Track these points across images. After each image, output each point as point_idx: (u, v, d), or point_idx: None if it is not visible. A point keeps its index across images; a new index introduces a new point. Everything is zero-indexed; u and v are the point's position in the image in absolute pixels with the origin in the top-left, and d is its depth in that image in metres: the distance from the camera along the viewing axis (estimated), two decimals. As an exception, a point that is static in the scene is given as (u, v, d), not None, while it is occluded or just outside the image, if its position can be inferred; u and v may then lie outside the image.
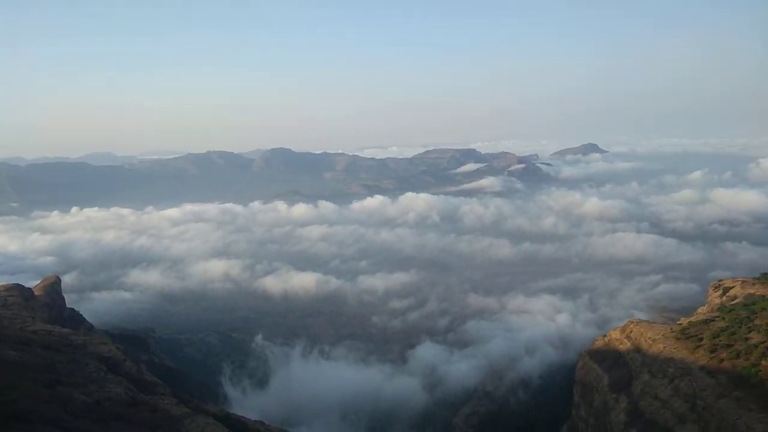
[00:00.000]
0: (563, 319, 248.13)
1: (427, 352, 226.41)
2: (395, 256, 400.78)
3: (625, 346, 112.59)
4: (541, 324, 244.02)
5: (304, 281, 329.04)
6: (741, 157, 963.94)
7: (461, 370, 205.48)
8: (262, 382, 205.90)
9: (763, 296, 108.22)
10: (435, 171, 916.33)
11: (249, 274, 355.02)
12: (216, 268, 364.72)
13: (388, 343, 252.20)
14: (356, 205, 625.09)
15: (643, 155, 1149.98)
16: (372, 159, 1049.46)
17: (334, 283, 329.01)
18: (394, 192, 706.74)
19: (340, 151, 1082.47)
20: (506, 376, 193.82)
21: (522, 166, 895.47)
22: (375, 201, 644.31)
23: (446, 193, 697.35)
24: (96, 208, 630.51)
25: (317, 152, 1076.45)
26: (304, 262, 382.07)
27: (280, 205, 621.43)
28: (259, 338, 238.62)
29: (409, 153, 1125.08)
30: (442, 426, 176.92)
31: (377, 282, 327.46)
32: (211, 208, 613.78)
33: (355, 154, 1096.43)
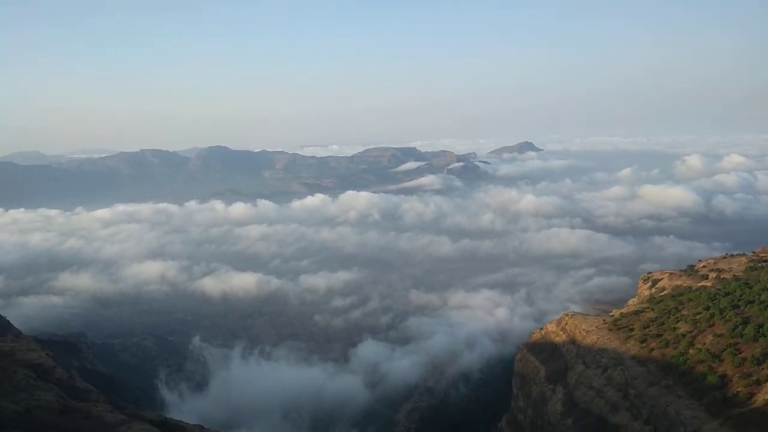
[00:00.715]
0: (502, 313, 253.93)
1: (369, 349, 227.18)
2: (337, 254, 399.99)
3: (560, 338, 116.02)
4: (480, 318, 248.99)
5: (243, 282, 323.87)
6: (667, 154, 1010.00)
7: (403, 366, 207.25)
8: (200, 385, 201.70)
9: (690, 287, 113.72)
10: (375, 169, 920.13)
11: (186, 275, 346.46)
12: (151, 269, 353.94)
13: (330, 341, 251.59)
14: (296, 204, 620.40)
15: (576, 153, 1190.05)
16: (312, 157, 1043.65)
17: (275, 283, 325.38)
18: (334, 190, 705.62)
19: (279, 150, 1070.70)
20: (447, 371, 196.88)
21: (461, 164, 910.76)
22: (316, 199, 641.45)
23: (387, 192, 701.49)
24: (22, 210, 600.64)
25: (256, 150, 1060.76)
26: (243, 262, 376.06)
27: (218, 205, 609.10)
28: (196, 340, 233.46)
29: (350, 151, 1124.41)
30: (384, 423, 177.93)
31: (319, 281, 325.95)
32: (145, 209, 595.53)
33: (295, 152, 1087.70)
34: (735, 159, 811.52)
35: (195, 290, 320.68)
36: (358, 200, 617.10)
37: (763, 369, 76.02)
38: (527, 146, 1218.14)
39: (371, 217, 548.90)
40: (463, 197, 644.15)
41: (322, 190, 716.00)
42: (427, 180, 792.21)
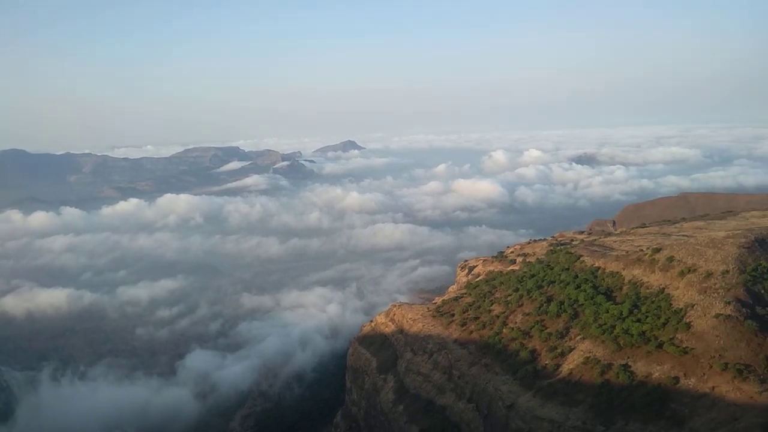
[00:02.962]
0: (334, 309, 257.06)
1: (197, 359, 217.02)
2: (157, 262, 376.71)
3: (389, 328, 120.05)
4: (313, 316, 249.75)
5: (51, 298, 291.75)
6: (476, 150, 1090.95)
7: (235, 373, 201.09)
8: (4, 413, 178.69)
9: (501, 272, 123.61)
10: (196, 170, 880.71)
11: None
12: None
13: (155, 355, 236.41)
14: (107, 210, 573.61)
15: (396, 151, 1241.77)
16: (125, 159, 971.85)
17: (88, 297, 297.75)
18: (151, 194, 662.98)
19: (86, 152, 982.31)
20: (281, 373, 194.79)
21: (286, 163, 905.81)
22: (129, 205, 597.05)
23: (209, 193, 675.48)
24: None
25: (59, 153, 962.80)
26: (49, 277, 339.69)
27: (14, 215, 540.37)
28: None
29: (167, 152, 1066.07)
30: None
31: (140, 292, 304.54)
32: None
33: (105, 154, 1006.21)
34: (533, 153, 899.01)
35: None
36: (177, 203, 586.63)
37: (566, 342, 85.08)
38: (350, 145, 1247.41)
39: (193, 221, 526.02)
40: (289, 196, 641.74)
41: (137, 194, 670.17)
42: (252, 180, 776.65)
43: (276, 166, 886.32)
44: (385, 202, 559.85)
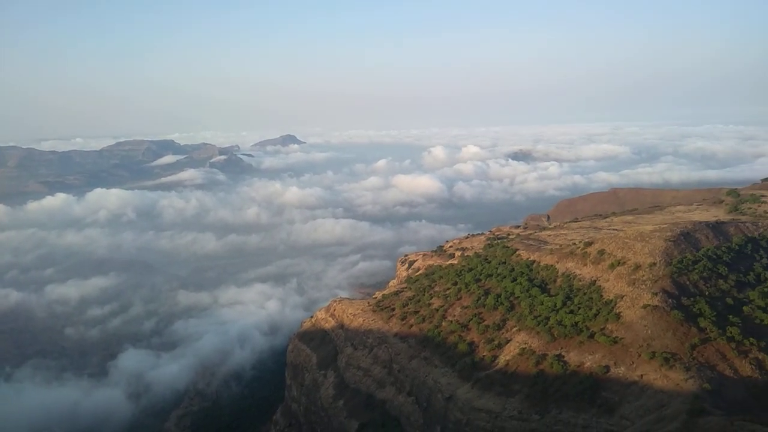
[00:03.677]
0: (273, 305, 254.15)
1: (130, 359, 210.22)
2: (88, 259, 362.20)
3: (330, 324, 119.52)
4: (252, 313, 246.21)
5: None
6: (416, 146, 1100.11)
7: (171, 372, 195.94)
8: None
9: (440, 266, 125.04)
10: (129, 164, 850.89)
11: None
12: None
13: (85, 355, 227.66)
14: (33, 206, 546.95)
15: (336, 146, 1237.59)
16: (52, 152, 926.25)
17: (14, 296, 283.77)
18: (80, 188, 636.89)
19: (11, 144, 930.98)
20: (218, 372, 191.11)
21: (223, 157, 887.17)
22: (57, 200, 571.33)
23: (142, 188, 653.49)
24: None
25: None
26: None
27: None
28: None
29: (98, 145, 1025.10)
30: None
31: (69, 290, 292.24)
32: None
33: (31, 147, 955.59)
34: (471, 149, 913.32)
35: None
36: (108, 198, 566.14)
37: (503, 333, 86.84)
38: (290, 139, 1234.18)
39: (125, 217, 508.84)
40: (226, 191, 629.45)
41: (66, 188, 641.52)
42: (188, 174, 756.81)
43: (213, 160, 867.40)
44: (326, 197, 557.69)
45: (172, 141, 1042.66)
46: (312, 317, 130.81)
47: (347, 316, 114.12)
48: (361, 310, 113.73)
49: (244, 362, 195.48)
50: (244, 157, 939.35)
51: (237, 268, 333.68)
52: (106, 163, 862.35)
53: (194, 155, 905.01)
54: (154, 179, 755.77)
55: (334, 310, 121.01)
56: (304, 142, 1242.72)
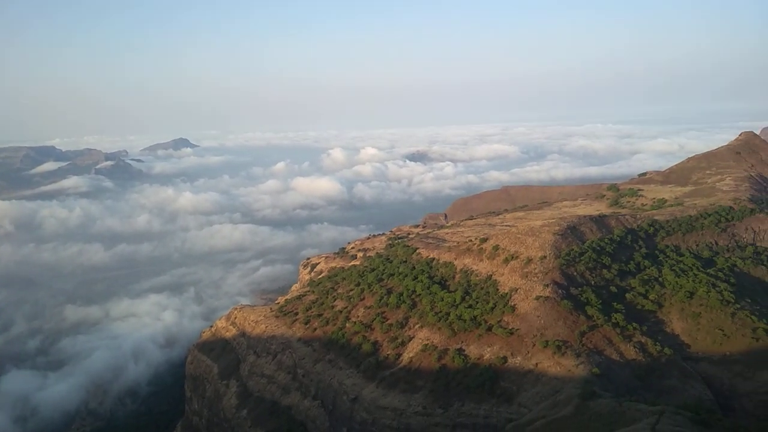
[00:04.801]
0: (170, 316, 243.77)
1: (14, 381, 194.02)
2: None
3: (231, 332, 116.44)
4: (147, 325, 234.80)
5: None
6: (315, 148, 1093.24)
7: (59, 392, 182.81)
8: None
9: (343, 268, 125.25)
10: (5, 172, 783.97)
11: None
12: None
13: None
14: None
15: (232, 149, 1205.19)
16: None
17: None
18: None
19: None
20: (111, 389, 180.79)
21: (110, 163, 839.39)
22: None
23: (20, 198, 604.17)
24: None
25: None
26: None
27: None
28: None
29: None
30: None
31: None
32: None
33: None
34: (370, 151, 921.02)
35: None
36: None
37: (406, 331, 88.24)
38: (182, 142, 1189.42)
39: (2, 229, 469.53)
40: (114, 199, 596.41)
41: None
42: (71, 182, 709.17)
43: (98, 166, 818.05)
44: (222, 202, 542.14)
45: (53, 147, 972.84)
46: (212, 326, 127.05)
47: (249, 324, 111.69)
48: (264, 316, 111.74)
49: (139, 377, 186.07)
50: (133, 163, 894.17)
51: (129, 279, 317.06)
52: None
53: (78, 161, 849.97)
54: (34, 188, 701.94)
55: (235, 317, 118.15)
56: (198, 146, 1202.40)
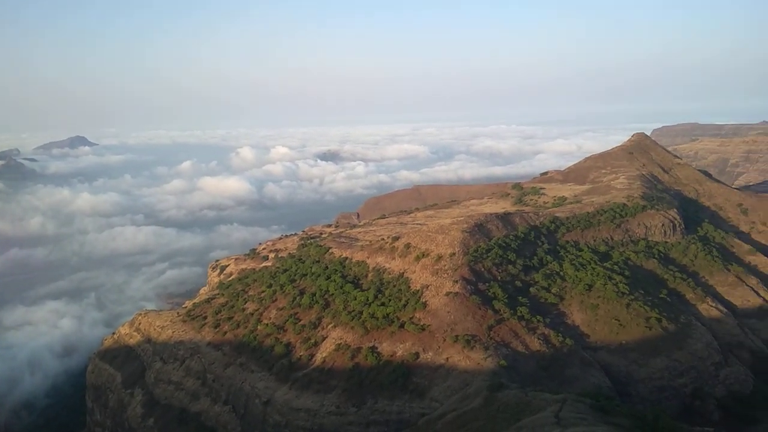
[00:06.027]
0: (68, 324, 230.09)
1: None
2: None
3: (135, 339, 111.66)
4: (44, 334, 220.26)
5: None
6: (223, 147, 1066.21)
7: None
8: None
9: (254, 269, 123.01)
10: None
11: None
12: None
13: None
14: None
15: (134, 147, 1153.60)
16: None
17: None
18: None
19: None
20: (5, 402, 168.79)
21: (0, 162, 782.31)
22: None
23: None
24: None
25: None
26: None
27: None
28: None
29: None
30: None
31: None
32: None
33: None
34: (281, 150, 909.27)
35: None
36: None
37: (319, 331, 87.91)
38: (80, 141, 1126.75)
39: None
40: (4, 200, 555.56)
41: None
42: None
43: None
44: (124, 203, 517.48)
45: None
46: (114, 333, 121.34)
47: (155, 329, 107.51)
48: (170, 321, 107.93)
49: (36, 389, 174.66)
50: (26, 162, 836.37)
51: (23, 285, 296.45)
52: None
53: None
54: None
55: (140, 323, 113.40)
56: (97, 144, 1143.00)
